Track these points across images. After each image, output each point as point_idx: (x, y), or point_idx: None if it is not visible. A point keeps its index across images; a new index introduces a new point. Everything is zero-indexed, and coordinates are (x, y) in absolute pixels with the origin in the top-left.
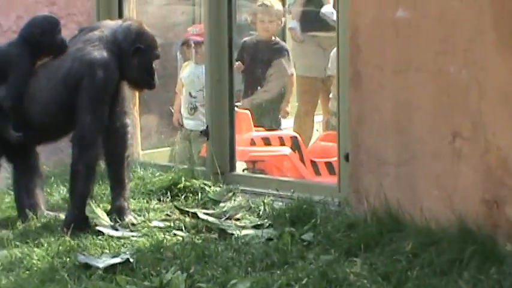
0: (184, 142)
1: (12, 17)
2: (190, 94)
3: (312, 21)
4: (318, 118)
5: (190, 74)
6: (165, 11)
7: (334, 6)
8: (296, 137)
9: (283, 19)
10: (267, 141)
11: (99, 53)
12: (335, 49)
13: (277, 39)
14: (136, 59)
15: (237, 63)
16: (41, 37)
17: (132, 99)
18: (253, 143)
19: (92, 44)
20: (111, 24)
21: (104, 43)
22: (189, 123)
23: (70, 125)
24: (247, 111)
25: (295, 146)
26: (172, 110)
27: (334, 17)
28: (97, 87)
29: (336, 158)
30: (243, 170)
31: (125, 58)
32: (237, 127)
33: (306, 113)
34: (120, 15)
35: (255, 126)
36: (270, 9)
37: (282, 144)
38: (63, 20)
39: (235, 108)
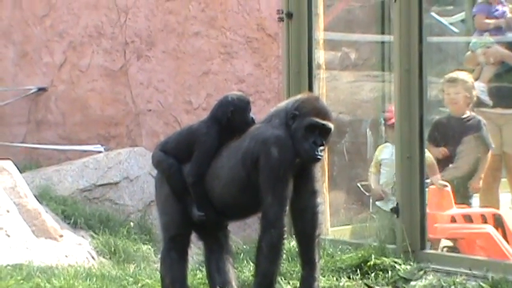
0: (377, 219)
1: (202, 95)
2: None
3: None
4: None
5: (393, 154)
6: (354, 88)
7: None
8: (499, 215)
9: (473, 92)
10: (468, 219)
11: (273, 131)
12: None
13: (473, 113)
14: (295, 125)
15: (440, 149)
16: (232, 116)
17: (321, 176)
18: (453, 220)
19: (268, 122)
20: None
21: (280, 119)
22: (386, 204)
23: (253, 205)
24: (448, 188)
25: (498, 224)
26: (360, 187)
27: (483, 95)
28: (272, 166)
29: None
30: (443, 249)
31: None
32: (437, 204)
33: (488, 189)
34: (310, 91)
35: (455, 203)
36: (456, 81)
37: (484, 222)
38: (252, 97)
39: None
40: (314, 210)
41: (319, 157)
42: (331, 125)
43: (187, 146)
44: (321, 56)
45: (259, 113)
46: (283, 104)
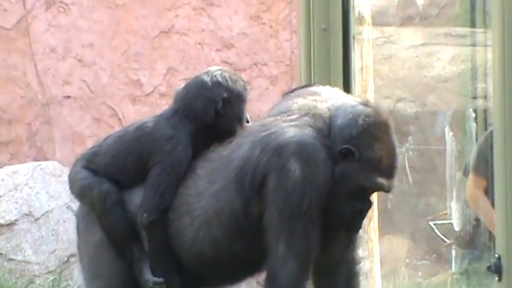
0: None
1: (160, 70)
2: None
3: None
4: None
5: None
6: (422, 57)
7: None
8: None
9: None
10: None
11: (295, 132)
12: None
13: None
14: (341, 169)
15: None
16: (223, 109)
17: None
18: None
19: (287, 118)
20: (336, 97)
21: (310, 118)
22: None
23: (250, 260)
24: None
25: None
26: (434, 228)
27: None
28: (289, 194)
29: None
30: None
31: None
32: None
33: None
34: (346, 62)
35: None
36: None
37: None
38: (246, 74)
39: None
40: (351, 270)
41: (359, 229)
42: (394, 185)
43: (135, 160)
44: (364, 2)
45: (257, 100)
46: (323, 104)
